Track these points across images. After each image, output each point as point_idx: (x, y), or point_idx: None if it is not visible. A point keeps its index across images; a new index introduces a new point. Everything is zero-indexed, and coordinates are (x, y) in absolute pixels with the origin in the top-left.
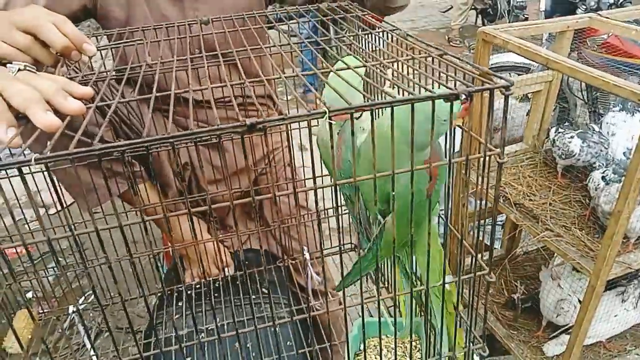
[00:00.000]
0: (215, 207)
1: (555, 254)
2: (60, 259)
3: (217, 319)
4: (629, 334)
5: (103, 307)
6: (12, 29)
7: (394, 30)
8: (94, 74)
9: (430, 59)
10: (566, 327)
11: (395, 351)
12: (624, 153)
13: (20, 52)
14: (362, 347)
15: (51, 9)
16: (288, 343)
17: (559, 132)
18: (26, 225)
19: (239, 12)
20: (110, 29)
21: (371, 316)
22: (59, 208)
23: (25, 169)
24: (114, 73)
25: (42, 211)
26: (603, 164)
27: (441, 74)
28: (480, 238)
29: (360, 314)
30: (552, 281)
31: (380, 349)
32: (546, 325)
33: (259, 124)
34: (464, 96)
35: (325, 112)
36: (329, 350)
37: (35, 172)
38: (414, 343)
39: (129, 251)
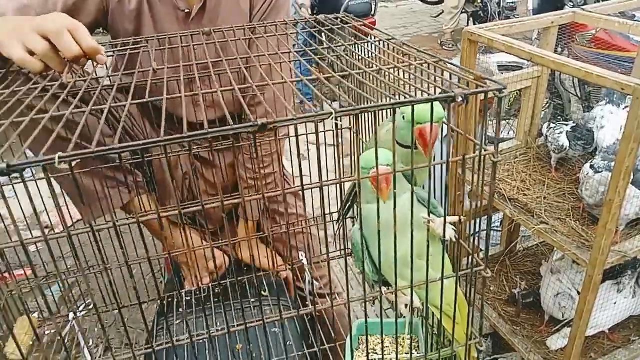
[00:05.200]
0: (210, 217)
1: (555, 249)
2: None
3: (217, 324)
4: (632, 324)
5: (100, 312)
6: (33, 33)
7: (390, 39)
8: (98, 83)
9: (426, 65)
10: (568, 320)
11: (397, 348)
12: (613, 143)
13: (34, 59)
14: (360, 346)
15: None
16: (289, 343)
17: (551, 128)
18: (32, 247)
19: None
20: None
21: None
22: (69, 223)
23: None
24: (117, 80)
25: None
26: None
27: (436, 79)
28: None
29: (359, 315)
30: (552, 275)
31: (383, 347)
32: (549, 320)
33: (270, 124)
34: (460, 98)
35: (331, 113)
36: (329, 352)
37: (39, 179)
38: (408, 341)
39: (125, 255)
